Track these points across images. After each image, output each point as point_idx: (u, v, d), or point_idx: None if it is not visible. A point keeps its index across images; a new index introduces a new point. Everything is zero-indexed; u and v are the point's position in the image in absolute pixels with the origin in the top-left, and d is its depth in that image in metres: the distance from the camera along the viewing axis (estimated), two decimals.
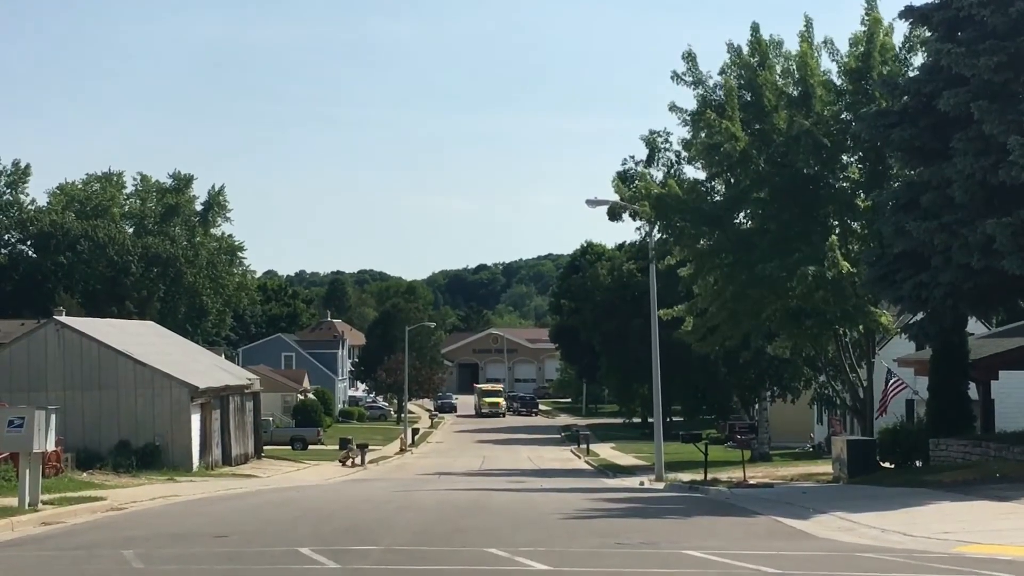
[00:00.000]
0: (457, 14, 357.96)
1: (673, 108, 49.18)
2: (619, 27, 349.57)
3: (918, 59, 44.24)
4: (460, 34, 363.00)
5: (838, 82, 47.90)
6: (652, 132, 52.24)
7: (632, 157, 54.00)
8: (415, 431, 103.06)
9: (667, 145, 52.04)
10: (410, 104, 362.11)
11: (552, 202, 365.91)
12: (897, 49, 46.84)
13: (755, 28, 49.01)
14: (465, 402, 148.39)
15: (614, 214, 52.45)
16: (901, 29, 45.56)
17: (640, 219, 52.01)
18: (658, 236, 51.88)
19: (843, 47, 47.76)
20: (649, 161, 53.44)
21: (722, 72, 48.95)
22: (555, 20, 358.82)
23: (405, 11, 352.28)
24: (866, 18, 47.01)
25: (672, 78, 49.25)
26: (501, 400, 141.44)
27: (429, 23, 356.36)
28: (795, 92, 48.02)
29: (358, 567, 16.56)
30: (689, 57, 49.25)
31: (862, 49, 46.82)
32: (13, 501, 28.64)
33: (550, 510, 28.19)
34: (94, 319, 72.87)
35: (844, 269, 43.58)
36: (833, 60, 47.90)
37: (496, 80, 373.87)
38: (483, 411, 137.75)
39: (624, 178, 54.14)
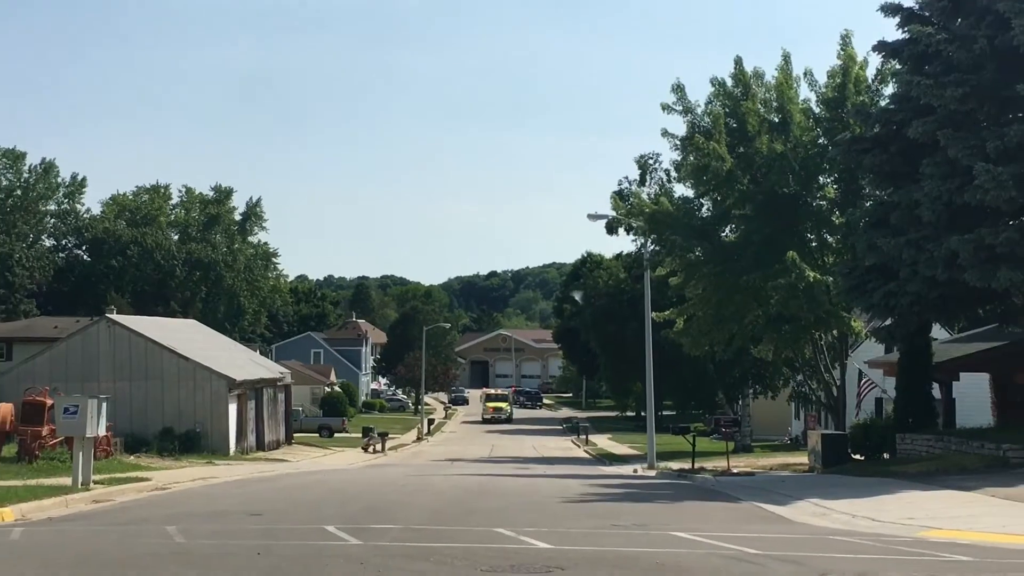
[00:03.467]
0: (470, 47, 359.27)
1: (665, 134, 49.31)
2: (613, 58, 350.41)
3: (889, 89, 44.27)
4: (473, 64, 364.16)
5: (816, 110, 47.92)
6: (644, 155, 52.69)
7: (627, 177, 54.28)
8: (431, 421, 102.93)
9: (658, 166, 52.35)
10: (429, 126, 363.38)
11: (556, 216, 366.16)
12: (870, 80, 46.87)
13: (738, 62, 49.17)
14: (476, 397, 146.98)
15: (612, 228, 52.57)
16: (874, 62, 45.63)
17: (635, 233, 52.07)
18: (652, 248, 51.91)
19: (821, 78, 47.86)
20: (642, 180, 53.75)
21: (708, 103, 49.06)
22: (556, 53, 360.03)
23: (425, 41, 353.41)
24: (841, 53, 47.05)
25: (663, 108, 49.32)
26: (505, 405, 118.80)
27: (447, 53, 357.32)
28: (775, 119, 48.05)
29: (378, 543, 16.54)
30: (678, 89, 49.33)
31: (838, 81, 46.87)
32: (67, 481, 28.67)
33: (552, 494, 28.16)
34: (142, 317, 72.93)
35: (812, 278, 43.65)
36: (812, 90, 47.98)
37: (505, 105, 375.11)
38: (486, 417, 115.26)
39: (620, 196, 54.26)
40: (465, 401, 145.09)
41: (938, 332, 42.58)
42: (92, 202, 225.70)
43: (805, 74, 48.25)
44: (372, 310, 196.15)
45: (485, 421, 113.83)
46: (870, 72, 46.89)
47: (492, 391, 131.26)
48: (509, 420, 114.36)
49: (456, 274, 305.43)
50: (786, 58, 48.56)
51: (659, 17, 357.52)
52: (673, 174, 51.44)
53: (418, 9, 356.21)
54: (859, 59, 46.88)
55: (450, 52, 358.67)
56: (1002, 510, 21.06)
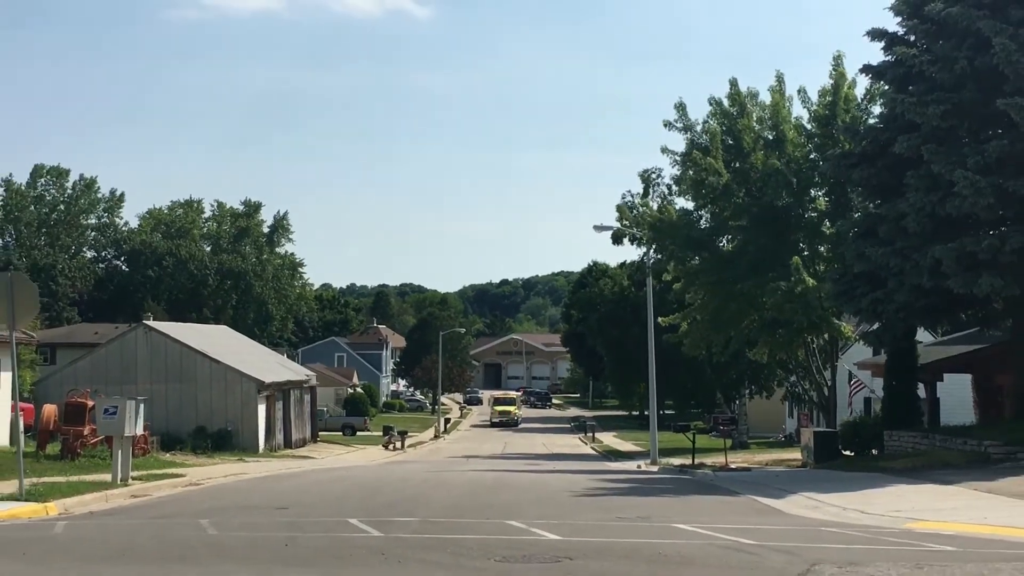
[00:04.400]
0: (480, 68, 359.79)
1: (665, 151, 49.27)
2: (618, 78, 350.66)
3: (877, 108, 44.18)
4: (484, 83, 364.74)
5: (809, 127, 47.84)
6: (646, 170, 52.32)
7: (630, 191, 54.05)
8: (447, 420, 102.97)
9: (660, 180, 52.18)
10: (443, 143, 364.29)
11: (564, 227, 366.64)
12: (859, 100, 46.79)
13: (734, 83, 49.14)
14: (489, 397, 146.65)
15: (617, 239, 52.36)
16: (863, 83, 45.53)
17: (638, 243, 52.03)
18: (654, 257, 51.89)
19: (814, 96, 47.76)
20: (645, 194, 53.50)
21: (706, 121, 49.03)
22: (563, 73, 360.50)
23: (438, 63, 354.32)
24: (833, 72, 46.95)
25: (665, 125, 49.37)
26: (513, 408, 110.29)
27: (459, 74, 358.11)
28: (770, 136, 48.01)
29: (398, 535, 16.54)
30: (680, 107, 49.36)
31: (829, 99, 46.80)
32: (107, 477, 28.71)
33: (561, 489, 28.11)
34: (177, 323, 73.07)
35: (809, 284, 43.61)
36: (805, 107, 47.88)
37: (514, 122, 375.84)
38: (495, 420, 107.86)
39: (624, 209, 54.18)
40: (479, 401, 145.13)
41: (922, 335, 42.51)
42: (130, 216, 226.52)
43: (799, 92, 48.19)
44: (392, 316, 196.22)
45: (493, 425, 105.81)
46: (859, 91, 46.85)
47: (500, 394, 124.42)
48: (517, 424, 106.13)
49: (470, 282, 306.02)
50: (780, 78, 48.57)
51: (662, 38, 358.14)
52: (674, 188, 51.41)
53: (430, 32, 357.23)
54: (849, 79, 46.81)
55: (461, 73, 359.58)
56: (984, 503, 21.00)
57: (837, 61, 47.05)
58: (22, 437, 25.44)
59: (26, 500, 22.26)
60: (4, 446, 39.13)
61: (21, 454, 24.01)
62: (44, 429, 40.49)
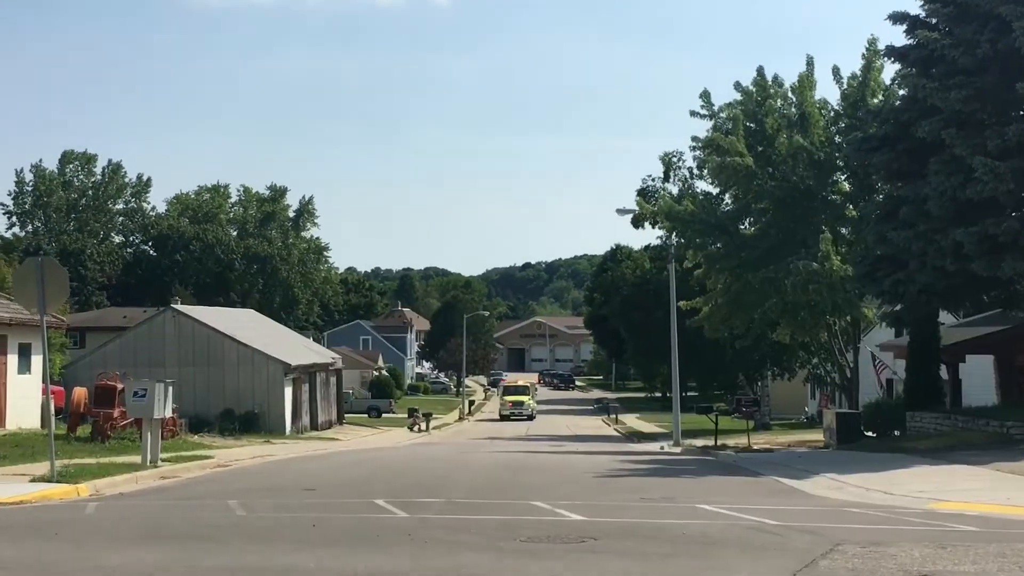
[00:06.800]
0: (504, 55, 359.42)
1: (695, 140, 49.15)
2: (639, 64, 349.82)
3: (903, 91, 43.93)
4: (506, 70, 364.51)
5: (838, 107, 47.57)
6: (667, 153, 52.38)
7: (650, 176, 54.15)
8: (471, 403, 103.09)
9: (681, 163, 52.15)
10: (467, 128, 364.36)
11: (587, 210, 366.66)
12: (886, 84, 46.51)
13: (760, 71, 48.93)
14: (512, 380, 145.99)
15: (637, 223, 52.36)
16: (888, 67, 45.25)
17: (660, 227, 52.01)
18: (677, 241, 51.80)
19: (841, 79, 47.48)
20: (665, 177, 53.47)
21: (731, 106, 48.84)
22: (582, 60, 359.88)
23: (460, 49, 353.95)
24: (867, 51, 46.61)
25: (691, 114, 49.28)
26: (527, 399, 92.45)
27: (481, 60, 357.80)
28: (794, 114, 47.79)
29: (424, 516, 16.56)
30: (705, 95, 49.28)
31: (856, 83, 46.57)
32: (137, 459, 28.83)
33: (584, 470, 28.10)
34: (204, 307, 73.24)
35: (835, 264, 43.50)
36: (837, 85, 47.55)
37: (538, 107, 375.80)
38: (504, 413, 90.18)
39: (645, 193, 54.17)
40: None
41: (944, 316, 42.30)
42: (157, 201, 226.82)
43: (833, 71, 47.78)
44: (416, 300, 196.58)
45: (503, 418, 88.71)
46: (885, 76, 46.56)
47: (510, 380, 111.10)
48: (532, 418, 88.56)
49: (494, 265, 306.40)
50: (810, 61, 48.27)
51: (682, 22, 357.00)
52: (695, 171, 51.36)
53: (453, 18, 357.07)
54: (878, 63, 46.48)
55: (484, 58, 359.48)
56: (1006, 484, 20.91)
57: (872, 44, 46.55)
58: (53, 420, 25.58)
59: (58, 482, 22.38)
60: (36, 428, 39.35)
61: (52, 436, 24.13)
62: (75, 412, 40.69)
